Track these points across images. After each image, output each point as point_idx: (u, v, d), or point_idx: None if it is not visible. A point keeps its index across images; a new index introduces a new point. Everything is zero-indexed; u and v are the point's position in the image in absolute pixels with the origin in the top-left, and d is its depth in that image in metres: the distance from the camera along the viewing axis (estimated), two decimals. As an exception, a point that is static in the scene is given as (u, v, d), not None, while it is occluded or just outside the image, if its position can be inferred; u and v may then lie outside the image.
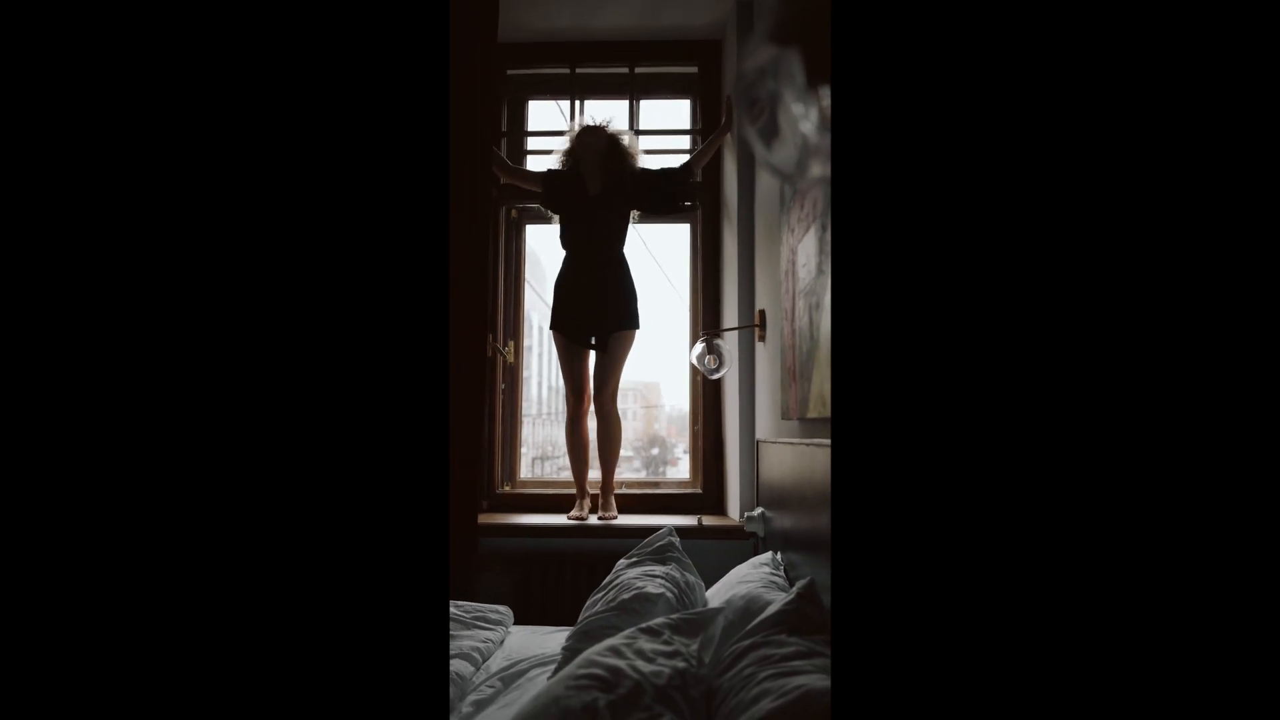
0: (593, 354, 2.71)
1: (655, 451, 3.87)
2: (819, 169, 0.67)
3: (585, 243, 2.72)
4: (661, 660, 1.11)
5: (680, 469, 3.21)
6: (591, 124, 2.78)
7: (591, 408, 2.73)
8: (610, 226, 2.72)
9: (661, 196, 2.75)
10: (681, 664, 1.11)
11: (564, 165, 2.80)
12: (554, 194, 2.78)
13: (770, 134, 0.64)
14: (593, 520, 2.65)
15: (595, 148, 2.72)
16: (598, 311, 2.67)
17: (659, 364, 2.78)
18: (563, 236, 2.77)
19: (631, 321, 2.69)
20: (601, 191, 2.73)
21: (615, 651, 1.16)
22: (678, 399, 3.44)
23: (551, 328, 2.75)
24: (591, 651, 1.19)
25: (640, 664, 1.10)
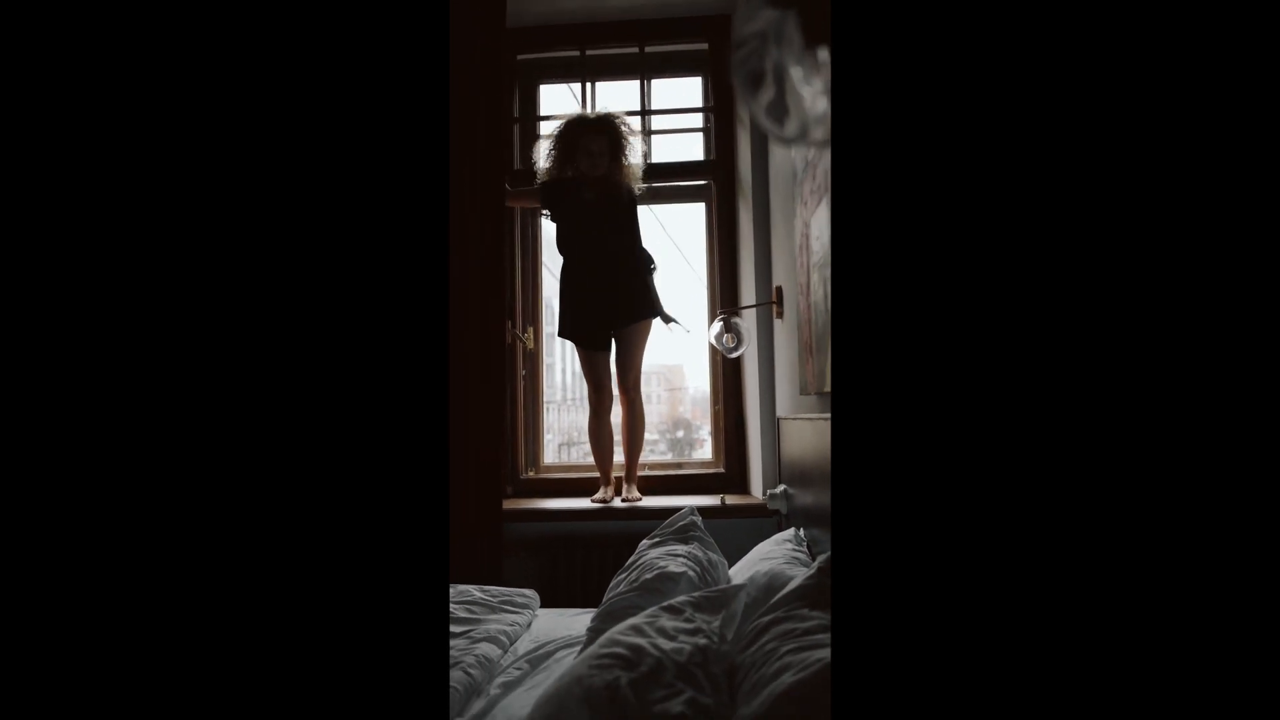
0: (613, 348, 2.70)
1: (680, 434, 3.87)
2: (821, 133, 0.65)
3: (585, 245, 2.67)
4: (683, 638, 1.11)
5: (705, 450, 3.21)
6: (586, 116, 2.69)
7: (615, 400, 2.72)
8: (612, 224, 2.66)
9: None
10: (703, 641, 1.11)
11: (552, 159, 2.73)
12: (552, 203, 2.74)
13: (770, 99, 0.63)
14: (617, 503, 2.66)
15: (600, 163, 2.64)
16: (608, 308, 2.63)
17: (682, 346, 2.77)
18: (560, 241, 2.72)
19: (646, 310, 2.63)
20: (599, 201, 2.67)
21: (637, 630, 1.16)
22: (702, 381, 3.44)
23: (560, 334, 2.72)
24: (614, 631, 1.20)
25: (661, 641, 1.10)
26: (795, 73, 0.63)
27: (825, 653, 0.98)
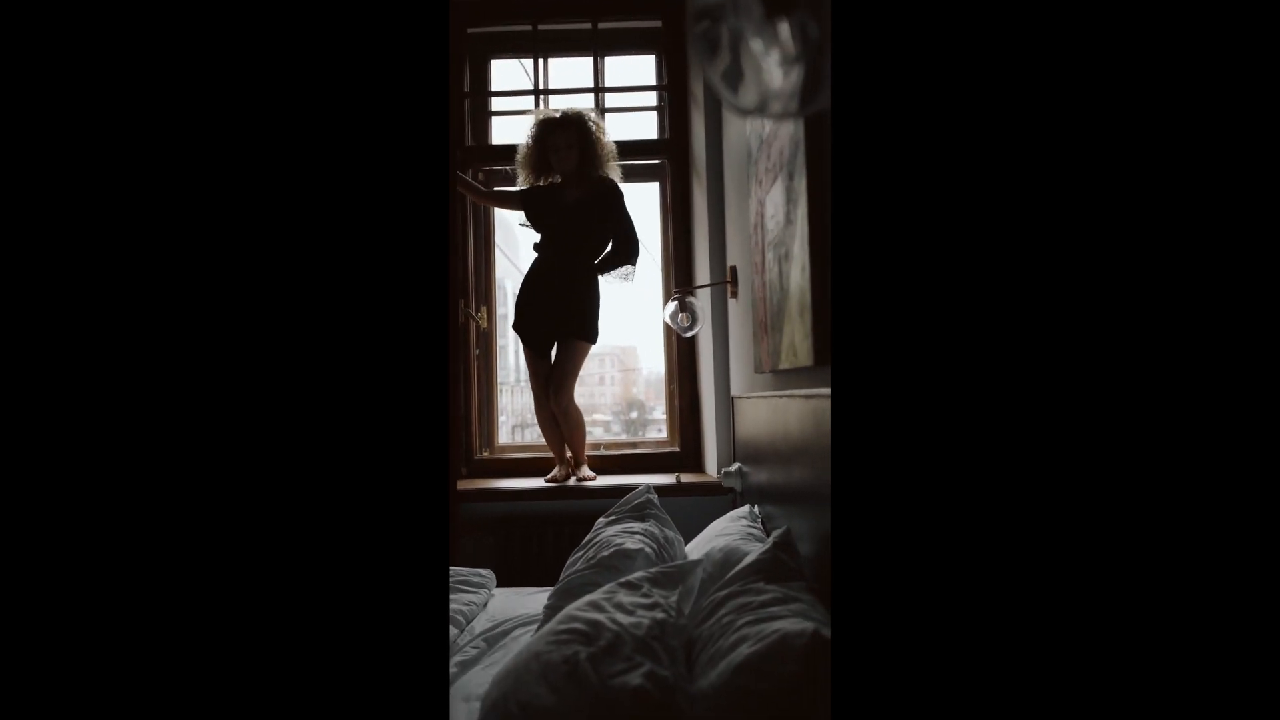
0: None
1: (634, 415, 3.88)
2: (779, 107, 0.65)
3: (559, 248, 2.66)
4: (641, 612, 1.12)
5: (659, 431, 3.23)
6: (555, 118, 2.66)
7: None
8: (586, 234, 2.66)
9: (610, 252, 2.70)
10: (660, 615, 1.12)
11: (529, 160, 2.70)
12: (536, 210, 2.71)
13: (728, 71, 0.63)
14: (571, 482, 2.66)
15: (570, 157, 2.63)
16: (556, 316, 2.62)
17: (636, 327, 2.77)
18: (538, 244, 2.71)
19: (586, 334, 2.63)
20: (581, 201, 2.66)
21: (595, 606, 1.17)
22: (655, 362, 3.44)
23: (514, 327, 2.73)
24: (572, 607, 1.20)
25: (620, 616, 1.11)
26: (755, 44, 0.63)
27: (781, 624, 1.00)
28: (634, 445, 3.13)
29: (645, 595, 1.20)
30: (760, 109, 0.67)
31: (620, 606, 1.15)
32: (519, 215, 2.77)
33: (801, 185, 1.23)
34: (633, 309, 2.77)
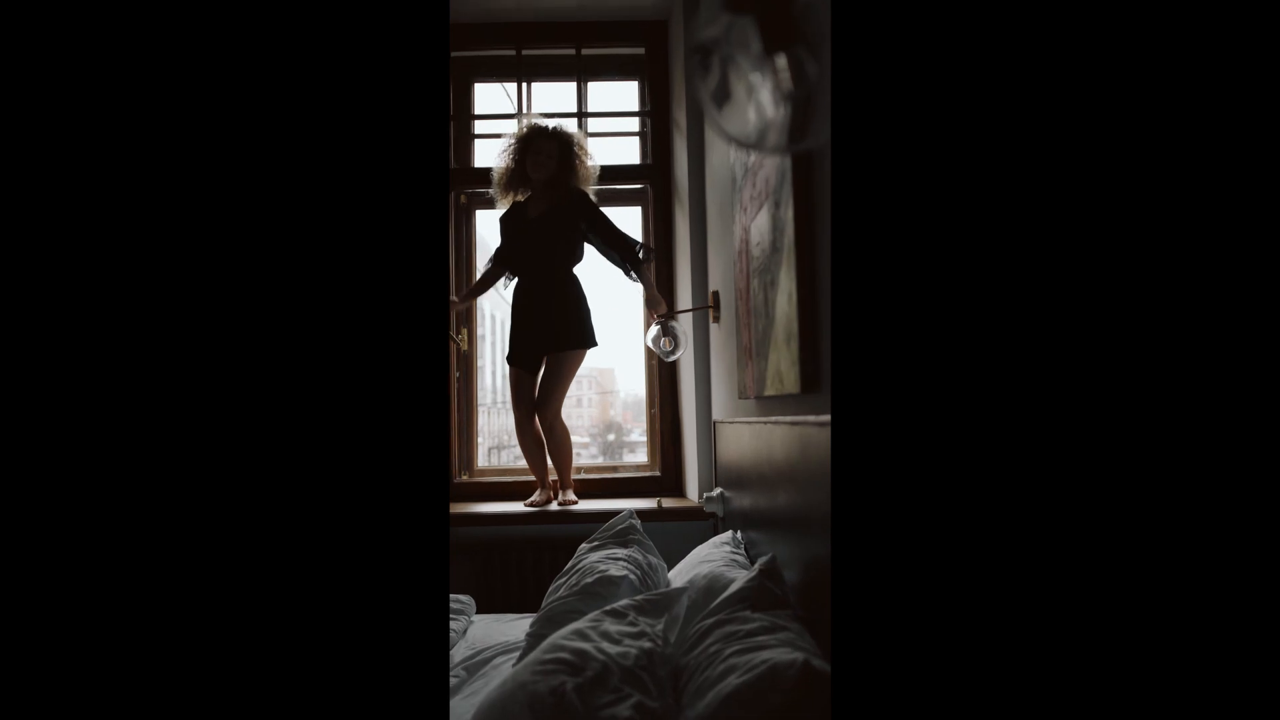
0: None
1: (611, 437, 3.86)
2: (775, 139, 0.66)
3: (531, 264, 2.65)
4: (628, 641, 1.11)
5: (638, 454, 3.22)
6: (544, 127, 2.65)
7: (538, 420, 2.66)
8: (555, 247, 2.63)
9: (616, 258, 2.67)
10: (648, 644, 1.11)
11: (505, 173, 2.69)
12: (507, 234, 2.69)
13: (729, 106, 0.64)
14: (552, 506, 2.64)
15: (547, 165, 2.61)
16: (546, 333, 2.59)
17: (614, 349, 2.77)
18: (513, 265, 2.70)
19: (582, 340, 2.60)
20: (545, 213, 2.64)
21: (581, 635, 1.15)
22: (633, 384, 3.43)
23: (507, 360, 2.68)
24: (557, 636, 1.19)
25: (606, 646, 1.10)
26: (752, 78, 0.64)
27: (769, 654, 0.99)
28: (614, 469, 3.11)
29: (631, 624, 1.19)
30: (758, 142, 0.67)
31: (607, 635, 1.14)
32: (503, 279, 2.76)
33: (789, 214, 1.24)
34: (611, 331, 2.76)
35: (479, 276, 2.79)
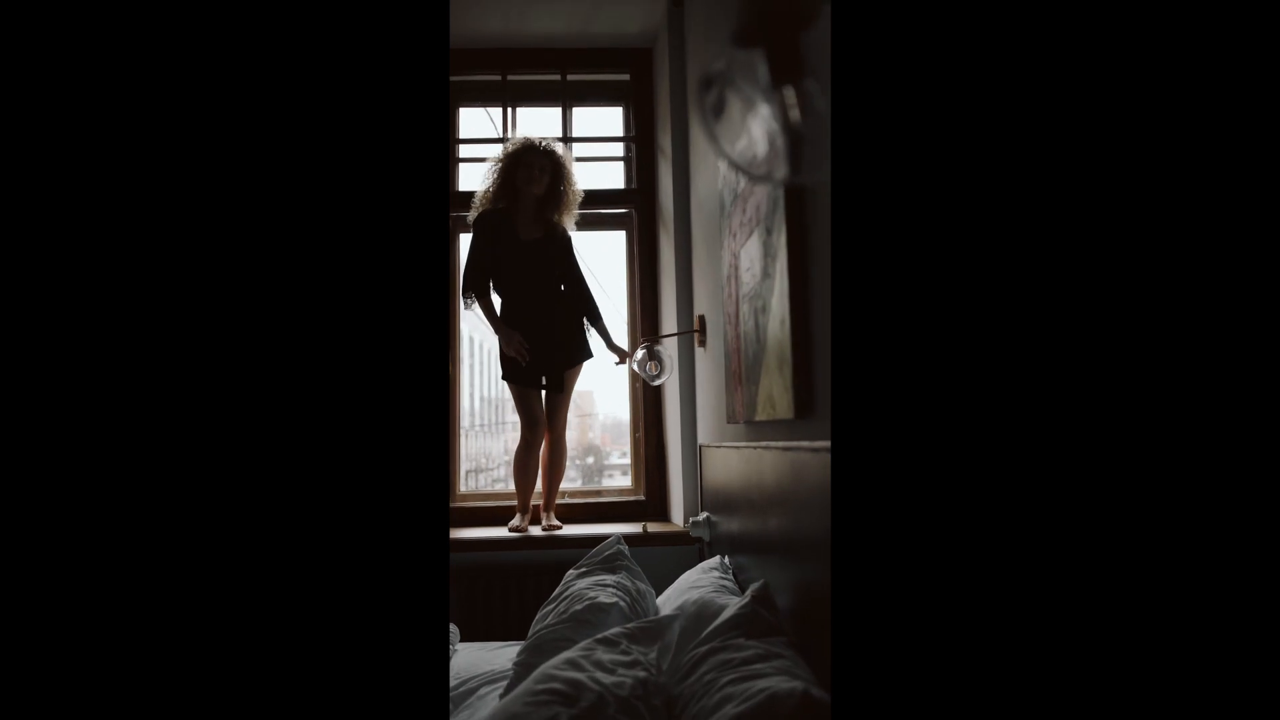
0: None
1: (590, 460, 3.85)
2: (782, 171, 0.67)
3: (525, 286, 2.66)
4: (622, 671, 1.10)
5: (616, 478, 3.20)
6: (536, 143, 2.66)
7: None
8: (551, 265, 2.67)
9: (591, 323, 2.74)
10: (642, 673, 1.10)
11: (494, 184, 2.68)
12: (492, 243, 2.66)
13: (737, 135, 0.64)
14: (535, 531, 2.62)
15: (540, 180, 2.62)
16: (546, 352, 2.62)
17: (592, 373, 2.77)
18: (498, 281, 2.68)
19: (581, 354, 2.69)
20: (541, 239, 2.67)
21: (573, 664, 1.14)
22: (612, 407, 3.42)
23: (504, 378, 2.68)
24: (548, 665, 1.17)
25: (600, 675, 1.09)
26: (759, 109, 0.64)
27: (767, 683, 0.98)
28: (598, 493, 3.09)
29: (624, 652, 1.17)
30: (765, 173, 0.68)
31: (600, 665, 1.13)
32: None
33: (781, 240, 1.25)
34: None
35: (485, 314, 2.73)
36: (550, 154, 2.65)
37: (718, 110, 0.64)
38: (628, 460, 3.13)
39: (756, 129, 0.65)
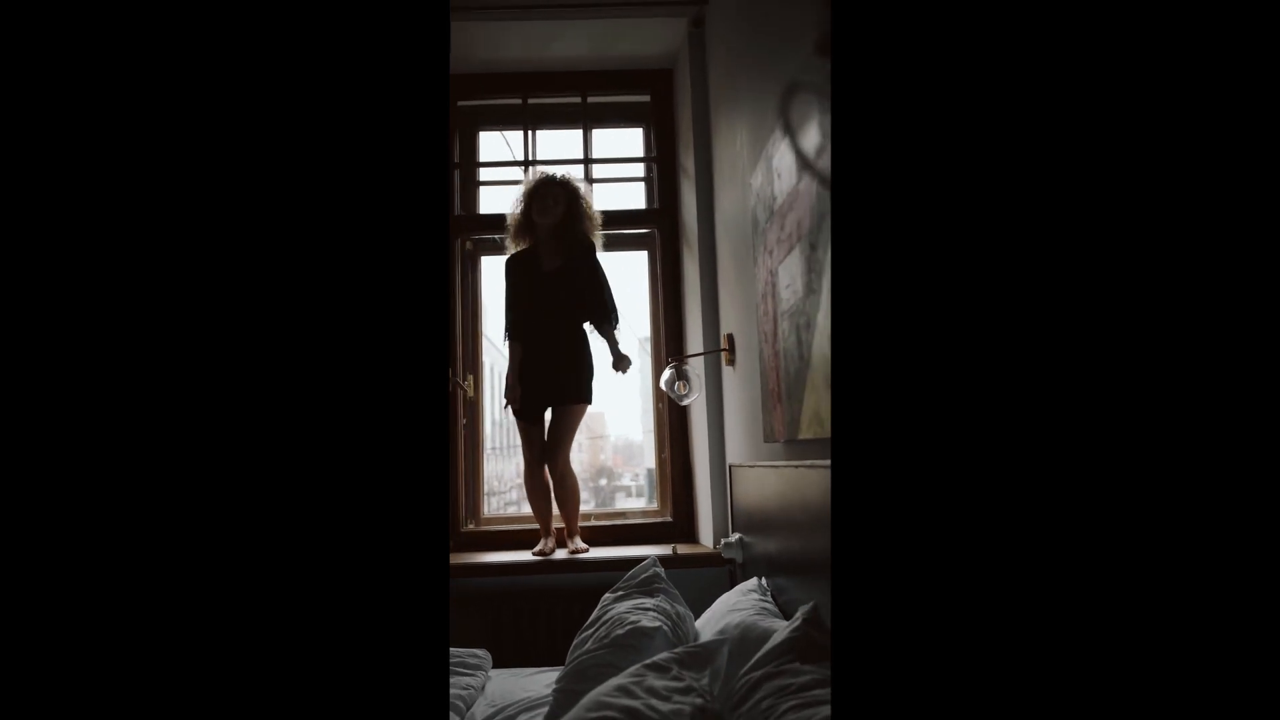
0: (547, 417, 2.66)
1: (603, 482, 3.82)
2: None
3: (542, 316, 2.64)
4: (677, 698, 1.07)
5: (631, 499, 3.17)
6: (550, 178, 2.67)
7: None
8: (568, 300, 2.64)
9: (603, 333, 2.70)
10: (698, 700, 1.07)
11: (518, 216, 2.70)
12: (515, 280, 2.67)
13: (814, 139, 0.63)
14: (560, 555, 2.59)
15: (553, 210, 2.63)
16: (551, 385, 2.60)
17: (603, 394, 2.74)
18: (517, 319, 2.65)
19: (582, 395, 2.63)
20: (561, 268, 2.65)
21: (625, 691, 1.11)
22: (624, 428, 3.40)
23: (507, 402, 2.67)
24: (598, 693, 1.14)
25: (655, 702, 1.06)
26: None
27: (828, 710, 0.95)
28: (623, 515, 3.06)
29: (676, 678, 1.15)
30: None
31: (653, 691, 1.10)
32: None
33: (827, 256, 1.23)
34: (600, 376, 2.75)
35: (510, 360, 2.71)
36: (564, 184, 2.66)
37: (804, 124, 0.63)
38: (640, 482, 3.09)
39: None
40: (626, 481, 3.62)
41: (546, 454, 2.61)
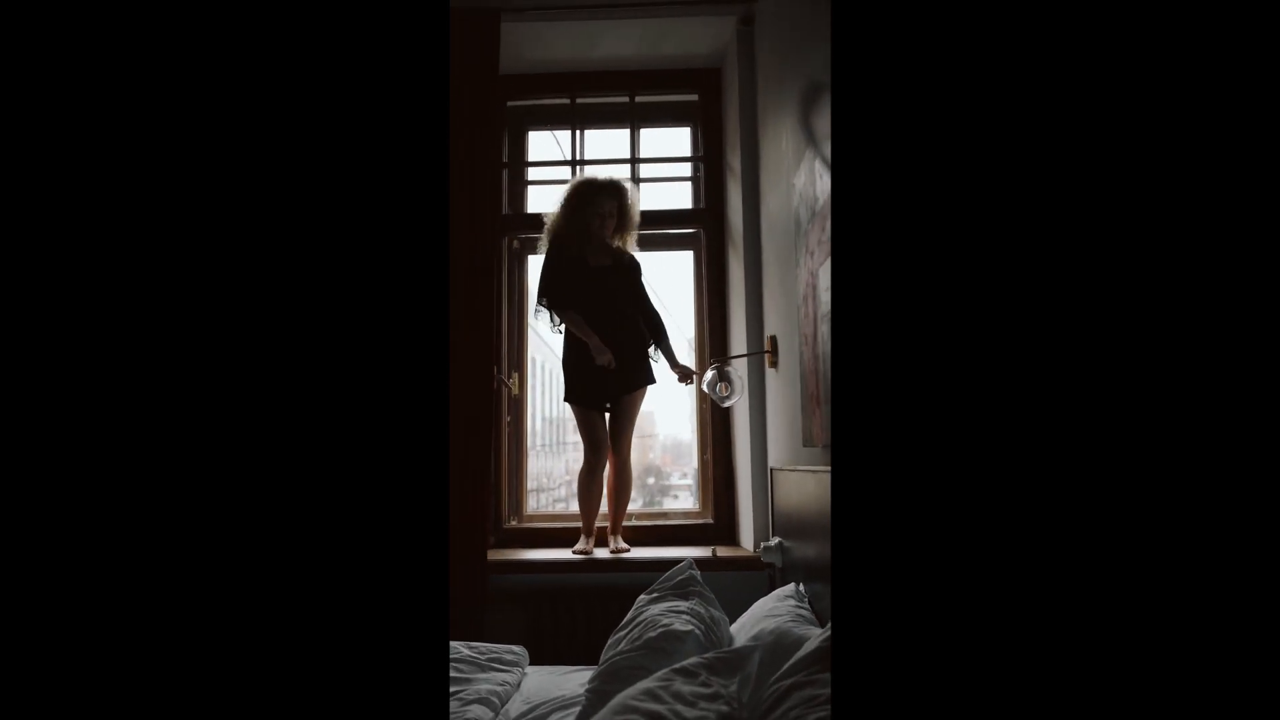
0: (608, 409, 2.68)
1: (651, 481, 3.82)
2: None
3: (596, 309, 2.64)
4: (703, 704, 1.06)
5: (679, 499, 3.16)
6: (603, 184, 2.67)
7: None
8: (618, 292, 2.67)
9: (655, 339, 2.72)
10: (725, 708, 1.06)
11: (564, 220, 2.68)
12: (561, 283, 2.66)
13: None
14: (601, 554, 2.59)
15: (610, 219, 2.64)
16: (612, 377, 2.60)
17: (652, 393, 2.74)
18: (565, 292, 2.66)
19: (645, 379, 2.68)
20: (612, 265, 2.67)
21: (652, 695, 1.10)
22: (673, 428, 3.39)
23: (566, 399, 2.68)
24: (625, 696, 1.14)
25: (681, 708, 1.05)
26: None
27: (857, 721, 0.93)
28: (664, 515, 3.06)
29: (704, 684, 1.14)
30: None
31: (679, 697, 1.09)
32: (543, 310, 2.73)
33: (865, 259, 1.21)
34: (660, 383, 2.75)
35: (576, 327, 2.67)
36: (619, 192, 2.66)
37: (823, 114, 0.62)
38: (689, 481, 3.08)
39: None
40: (676, 480, 3.61)
41: (613, 442, 2.64)
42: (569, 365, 2.68)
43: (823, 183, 1.52)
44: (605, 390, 2.64)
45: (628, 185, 2.70)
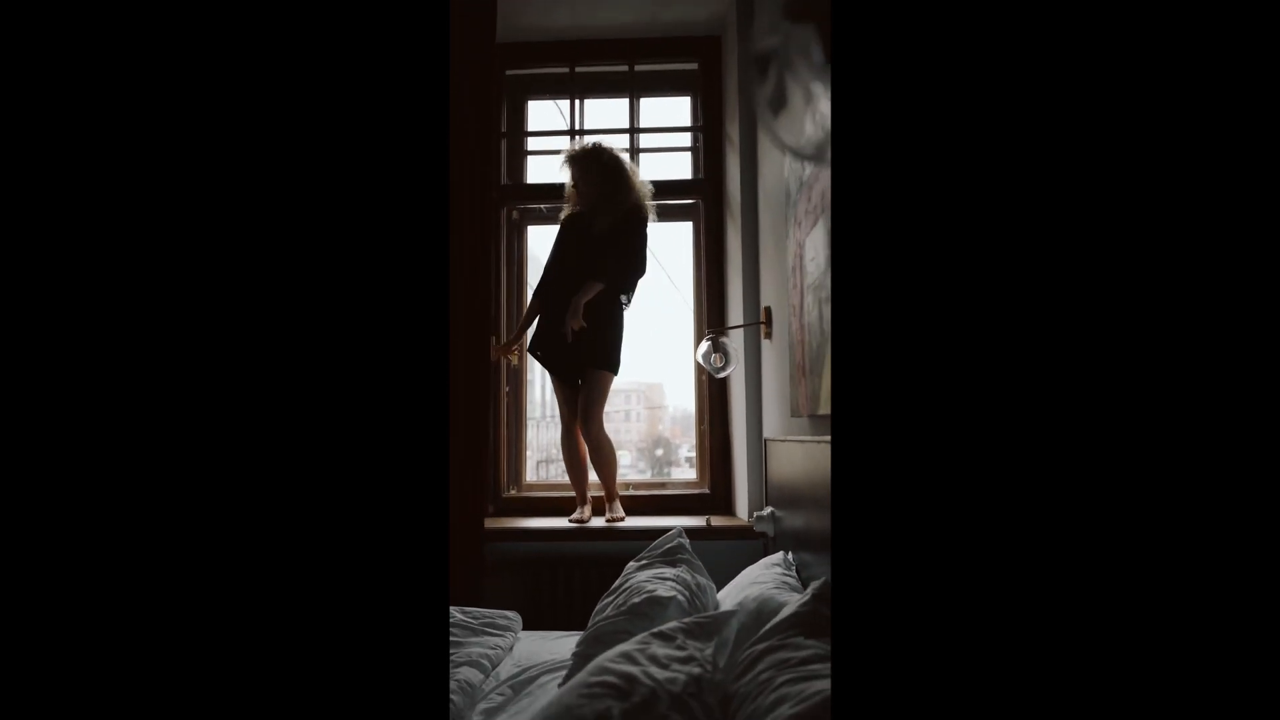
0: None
1: (660, 452, 3.84)
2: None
3: (571, 279, 2.63)
4: (676, 666, 1.08)
5: (685, 469, 3.18)
6: (577, 153, 2.67)
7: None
8: (610, 266, 2.62)
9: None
10: (696, 670, 1.08)
11: (569, 187, 2.73)
12: (565, 238, 2.71)
13: (787, 116, 0.62)
14: (597, 522, 2.62)
15: (588, 188, 2.65)
16: (580, 346, 2.58)
17: (662, 364, 2.74)
18: (545, 283, 2.69)
19: (608, 363, 2.61)
20: (609, 232, 2.63)
21: (628, 658, 1.13)
22: (681, 399, 3.40)
23: (530, 349, 2.71)
24: (603, 658, 1.16)
25: (654, 670, 1.07)
26: (814, 87, 0.61)
27: (823, 684, 0.95)
28: (662, 485, 3.08)
29: (680, 647, 1.16)
30: (815, 154, 0.65)
31: (654, 659, 1.12)
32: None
33: (845, 229, 1.21)
34: (660, 346, 2.75)
35: (526, 310, 2.78)
36: (581, 160, 2.65)
37: (768, 88, 0.62)
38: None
39: (808, 106, 0.63)
40: (685, 452, 3.64)
41: (580, 420, 2.63)
42: (541, 315, 2.71)
43: (810, 152, 1.51)
44: (572, 361, 2.63)
45: (603, 149, 2.67)
